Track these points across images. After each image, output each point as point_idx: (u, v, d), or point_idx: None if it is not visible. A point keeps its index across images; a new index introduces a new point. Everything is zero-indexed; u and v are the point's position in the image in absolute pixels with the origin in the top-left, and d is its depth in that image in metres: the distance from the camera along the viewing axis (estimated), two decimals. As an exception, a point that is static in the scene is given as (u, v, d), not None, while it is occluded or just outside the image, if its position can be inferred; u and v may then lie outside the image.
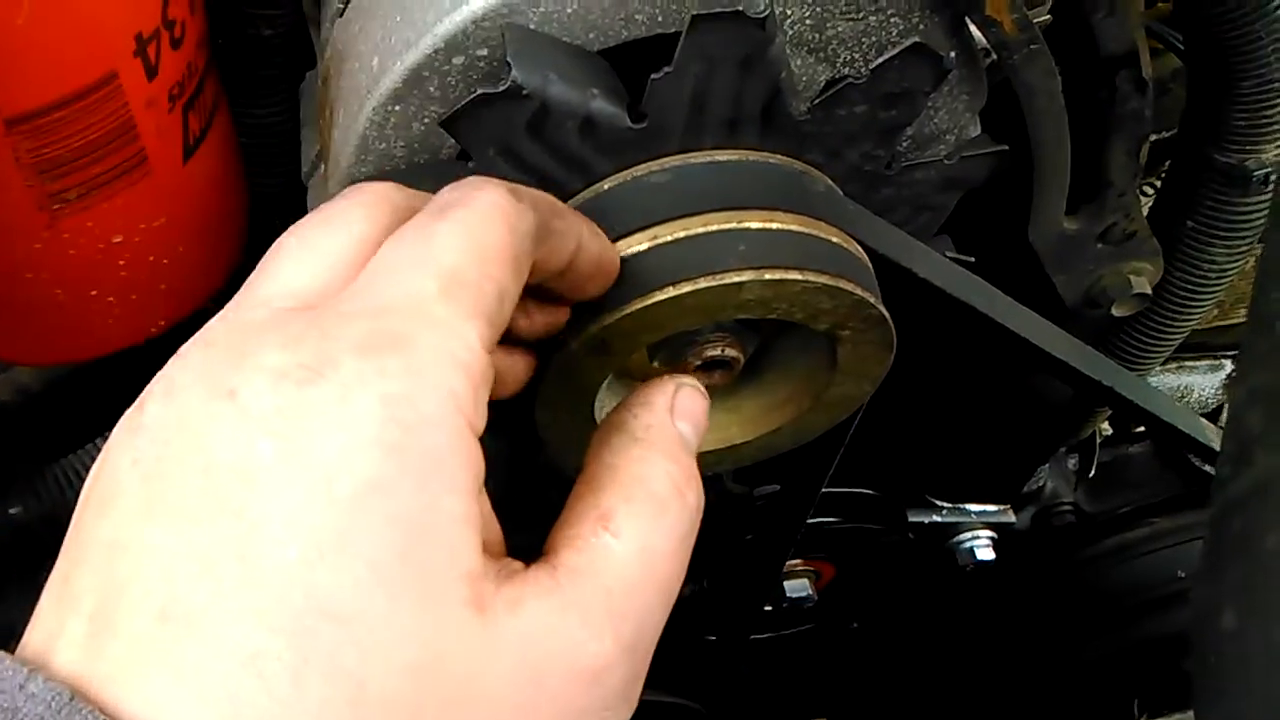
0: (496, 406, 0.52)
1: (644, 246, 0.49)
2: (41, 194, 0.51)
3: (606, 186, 0.50)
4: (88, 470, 0.33)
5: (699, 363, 0.53)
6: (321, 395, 0.31)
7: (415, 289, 0.34)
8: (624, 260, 0.49)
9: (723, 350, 0.52)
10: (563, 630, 0.33)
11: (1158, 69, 0.75)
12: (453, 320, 0.34)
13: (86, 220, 0.53)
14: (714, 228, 0.49)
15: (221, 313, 0.36)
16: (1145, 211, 0.73)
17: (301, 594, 0.29)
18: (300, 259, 0.36)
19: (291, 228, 0.38)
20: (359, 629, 0.29)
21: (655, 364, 0.54)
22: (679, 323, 0.49)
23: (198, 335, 0.35)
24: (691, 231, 0.49)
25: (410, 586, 0.30)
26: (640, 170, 0.50)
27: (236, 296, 0.36)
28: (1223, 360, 0.94)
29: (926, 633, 0.96)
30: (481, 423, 0.34)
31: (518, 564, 0.34)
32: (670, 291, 0.48)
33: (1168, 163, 0.73)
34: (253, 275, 0.37)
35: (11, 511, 0.70)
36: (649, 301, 0.48)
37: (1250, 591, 0.36)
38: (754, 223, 0.49)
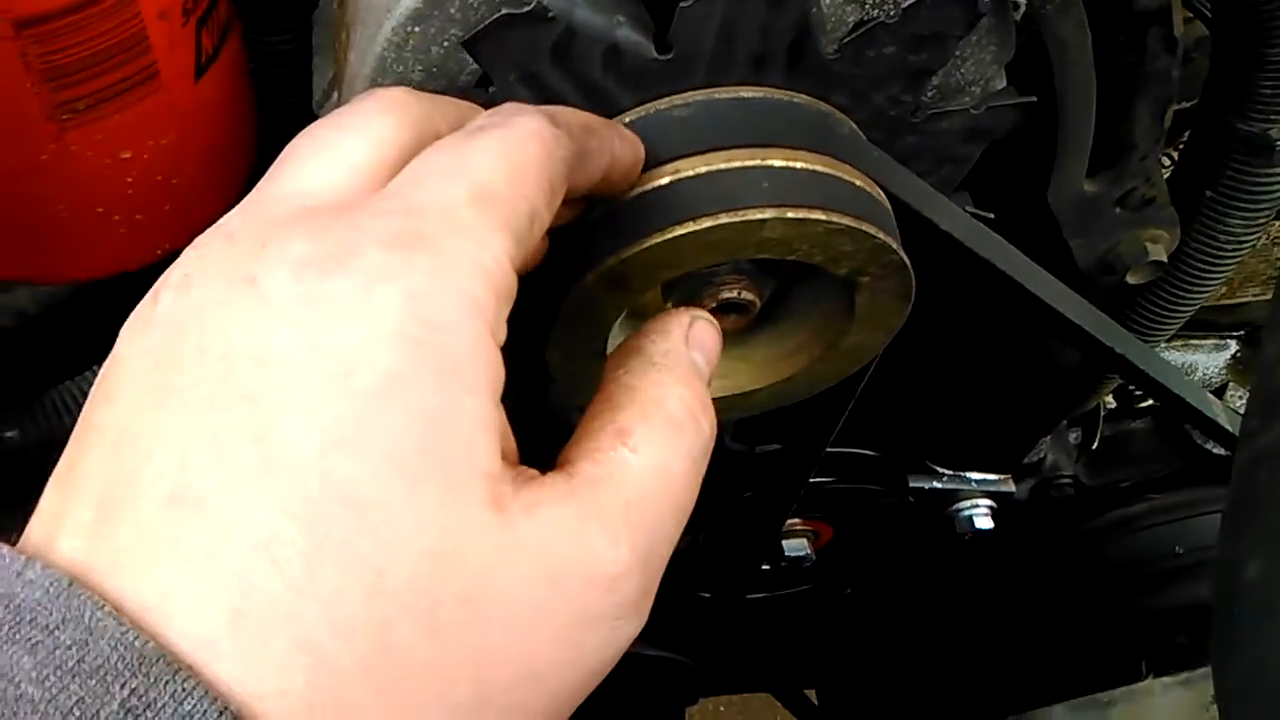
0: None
1: (665, 181, 0.48)
2: (50, 102, 0.50)
3: (628, 119, 0.49)
4: (85, 396, 0.32)
5: (714, 305, 0.52)
6: (345, 285, 0.31)
7: (447, 196, 0.33)
8: (644, 194, 0.48)
9: (739, 293, 0.52)
10: (580, 535, 0.33)
11: (1183, 37, 0.74)
12: (482, 230, 0.33)
13: (95, 133, 0.52)
14: (737, 164, 0.48)
15: (238, 209, 0.35)
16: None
17: (318, 480, 0.28)
18: (321, 161, 0.36)
19: (305, 130, 0.37)
20: (376, 517, 0.29)
21: (669, 305, 0.53)
22: (699, 259, 0.48)
23: (214, 228, 0.34)
24: (714, 167, 0.48)
25: (429, 479, 0.30)
26: (663, 103, 0.49)
27: (251, 194, 0.35)
28: (1228, 340, 0.94)
29: (922, 600, 0.96)
30: (502, 335, 0.34)
31: (534, 471, 0.34)
32: (691, 226, 0.47)
33: (1187, 133, 0.72)
34: (267, 176, 0.36)
35: (8, 435, 0.69)
36: (669, 236, 0.47)
37: (1277, 542, 0.35)
38: (778, 160, 0.48)
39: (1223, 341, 0.94)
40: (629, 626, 0.34)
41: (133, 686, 0.26)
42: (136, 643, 0.27)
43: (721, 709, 2.01)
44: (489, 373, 0.32)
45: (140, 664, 0.26)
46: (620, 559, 0.33)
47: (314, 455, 0.29)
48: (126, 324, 0.33)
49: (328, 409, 0.29)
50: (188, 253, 0.33)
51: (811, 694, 1.19)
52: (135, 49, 0.50)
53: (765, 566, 0.80)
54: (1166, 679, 0.63)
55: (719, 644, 0.85)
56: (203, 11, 0.54)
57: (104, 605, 0.27)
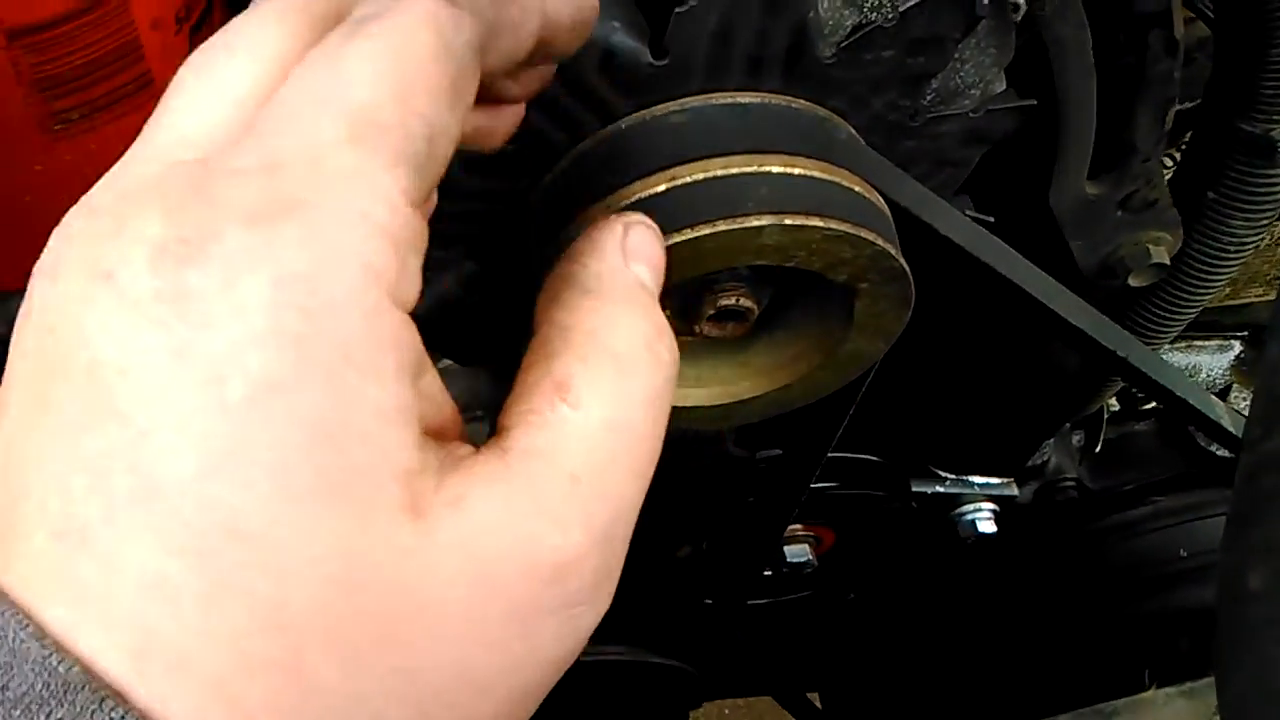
0: (494, 342, 0.49)
1: (662, 188, 0.47)
2: (43, 113, 0.50)
3: (624, 125, 0.49)
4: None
5: (712, 312, 0.52)
6: (204, 277, 0.26)
7: (318, 135, 0.28)
8: (641, 200, 0.48)
9: (737, 300, 0.51)
10: (515, 523, 0.29)
11: (1184, 38, 0.74)
12: (365, 172, 0.28)
13: (89, 143, 0.52)
14: (734, 170, 0.47)
15: (111, 170, 0.30)
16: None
17: (197, 510, 0.26)
18: (199, 96, 0.31)
19: (191, 55, 0.32)
20: (266, 546, 0.26)
21: (666, 311, 0.53)
22: (696, 267, 0.48)
23: (83, 199, 0.30)
24: (711, 173, 0.47)
25: (325, 495, 0.26)
26: (660, 110, 0.49)
27: (131, 147, 0.31)
28: (1232, 341, 0.94)
29: (924, 605, 0.96)
30: (413, 293, 0.29)
31: (467, 449, 0.30)
32: (688, 234, 0.46)
33: (1189, 134, 0.72)
34: (149, 120, 0.31)
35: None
36: (667, 243, 0.46)
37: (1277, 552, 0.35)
38: (775, 167, 0.48)
39: (1226, 342, 0.94)
40: (588, 614, 0.30)
41: (58, 716, 0.24)
42: (60, 668, 0.25)
43: (726, 711, 2.01)
44: (393, 350, 0.27)
45: (65, 691, 0.25)
46: (568, 544, 0.29)
47: (190, 481, 0.26)
48: (20, 313, 0.29)
49: (201, 426, 0.26)
50: (55, 232, 0.29)
51: (814, 697, 1.19)
52: (128, 58, 0.50)
53: (767, 572, 0.80)
54: (1169, 689, 0.62)
55: (722, 649, 0.85)
56: (196, 19, 0.53)
57: (27, 625, 0.25)
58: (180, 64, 0.54)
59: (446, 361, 0.71)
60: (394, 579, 0.27)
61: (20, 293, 0.56)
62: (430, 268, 0.30)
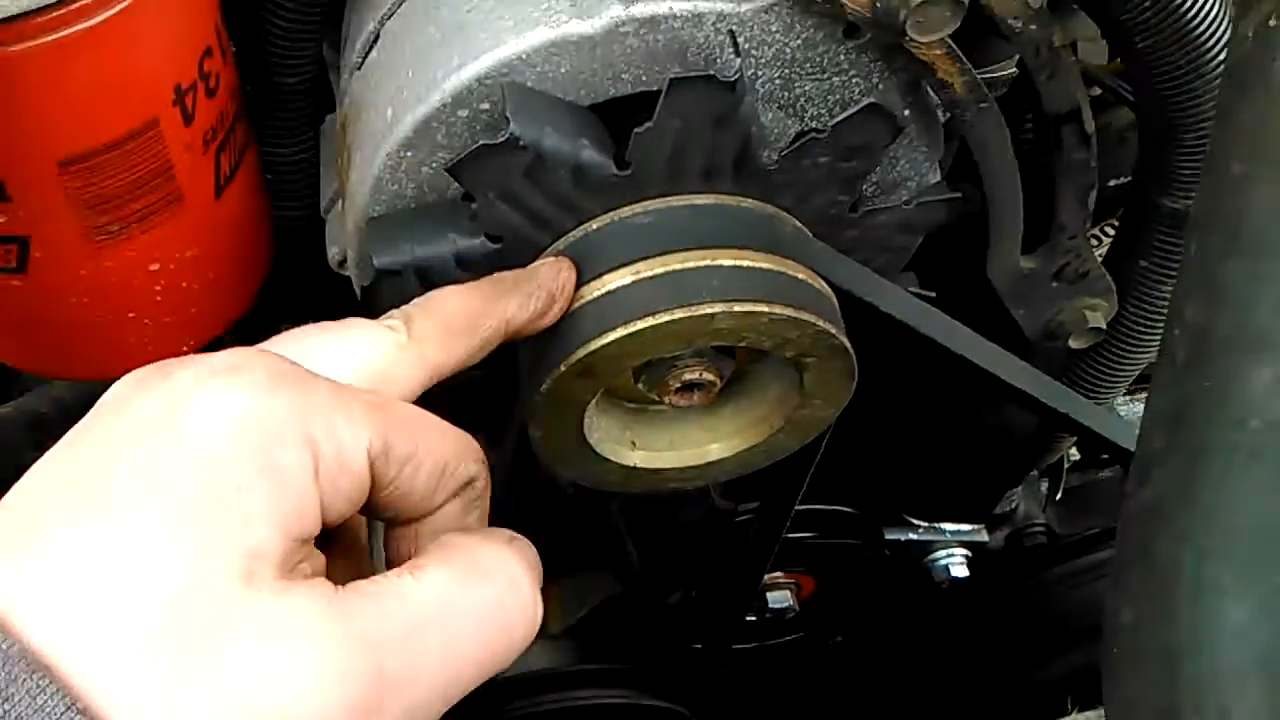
0: (494, 421, 0.57)
1: (627, 280, 0.54)
2: (88, 227, 0.57)
3: (595, 226, 0.56)
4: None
5: (678, 385, 0.58)
6: None
7: None
8: (609, 293, 0.54)
9: (700, 374, 0.58)
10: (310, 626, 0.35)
11: (1115, 119, 0.81)
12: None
13: (127, 250, 0.59)
14: (690, 264, 0.54)
15: None
16: (1105, 251, 0.78)
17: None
18: None
19: None
20: None
21: (640, 385, 0.59)
22: (658, 348, 0.55)
23: None
24: (670, 268, 0.54)
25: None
26: (625, 212, 0.56)
27: None
28: (1189, 391, 0.99)
29: (898, 647, 1.01)
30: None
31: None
32: (650, 320, 0.53)
33: (1121, 209, 0.78)
34: None
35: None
36: (631, 330, 0.53)
37: (1143, 592, 0.41)
38: (726, 260, 0.55)
39: (1184, 392, 0.99)
40: None
41: None
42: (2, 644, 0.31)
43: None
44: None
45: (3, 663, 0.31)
46: (325, 690, 0.34)
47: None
48: None
49: None
50: None
51: None
52: (162, 177, 0.58)
53: (751, 618, 0.85)
54: (1090, 713, 0.68)
55: (713, 691, 0.90)
56: (221, 138, 0.61)
57: None
58: (207, 178, 0.62)
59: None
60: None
61: (67, 380, 0.64)
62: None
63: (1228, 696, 0.38)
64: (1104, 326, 0.74)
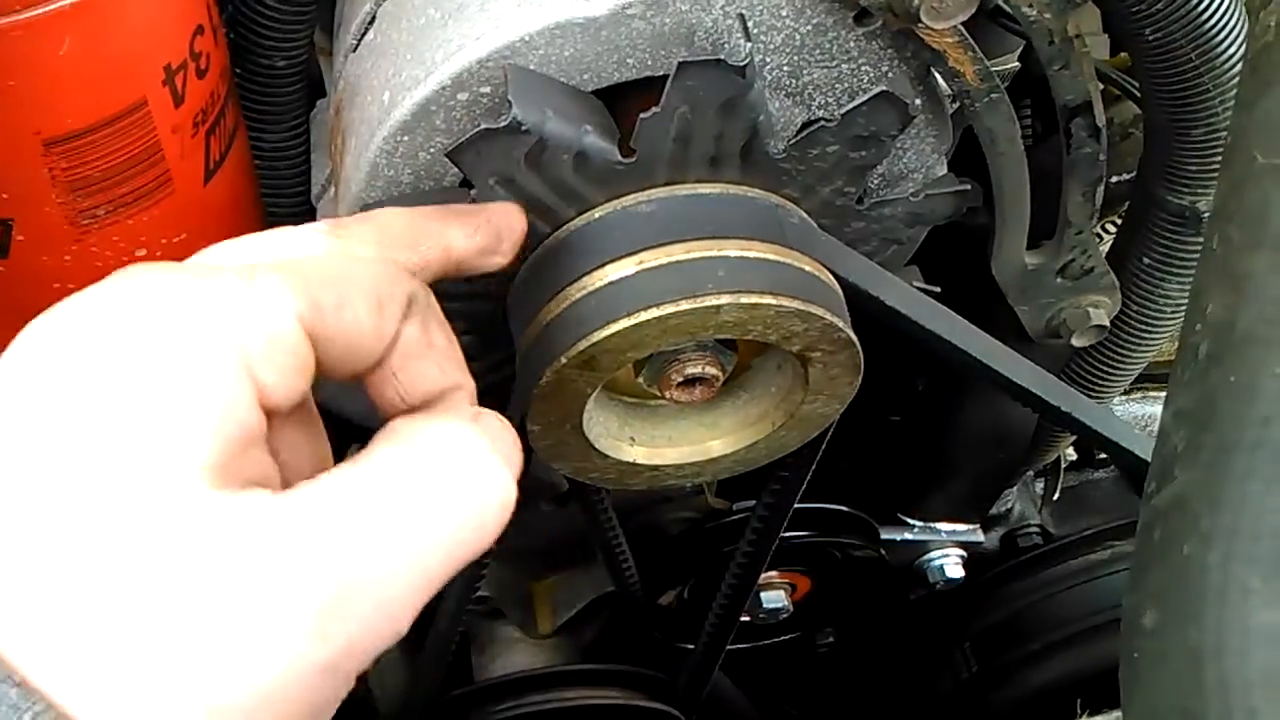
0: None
1: (631, 270, 0.53)
2: (73, 210, 0.55)
3: (598, 214, 0.55)
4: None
5: (680, 379, 0.57)
6: None
7: None
8: (612, 283, 0.53)
9: (703, 368, 0.57)
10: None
11: (1120, 114, 0.80)
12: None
13: (113, 235, 0.57)
14: (695, 254, 0.53)
15: None
16: (1107, 248, 0.78)
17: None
18: None
19: None
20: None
21: (640, 379, 0.58)
22: (661, 341, 0.53)
23: None
24: (674, 257, 0.53)
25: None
26: (629, 200, 0.54)
27: None
28: (1185, 391, 0.98)
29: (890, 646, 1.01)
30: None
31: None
32: (654, 312, 0.52)
33: (1127, 203, 0.77)
34: None
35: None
36: (634, 321, 0.52)
37: (1167, 594, 0.40)
38: (732, 250, 0.53)
39: (1179, 393, 0.98)
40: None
41: None
42: None
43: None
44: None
45: None
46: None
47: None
48: None
49: None
50: None
51: None
52: (150, 160, 0.56)
53: (745, 618, 0.84)
54: (1100, 717, 0.67)
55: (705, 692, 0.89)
56: (211, 121, 0.59)
57: None
58: (196, 162, 0.60)
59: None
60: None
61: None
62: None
63: (1256, 699, 0.37)
64: (1107, 324, 0.73)
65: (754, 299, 0.52)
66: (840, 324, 0.55)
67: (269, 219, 0.69)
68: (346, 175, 0.58)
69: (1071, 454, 0.94)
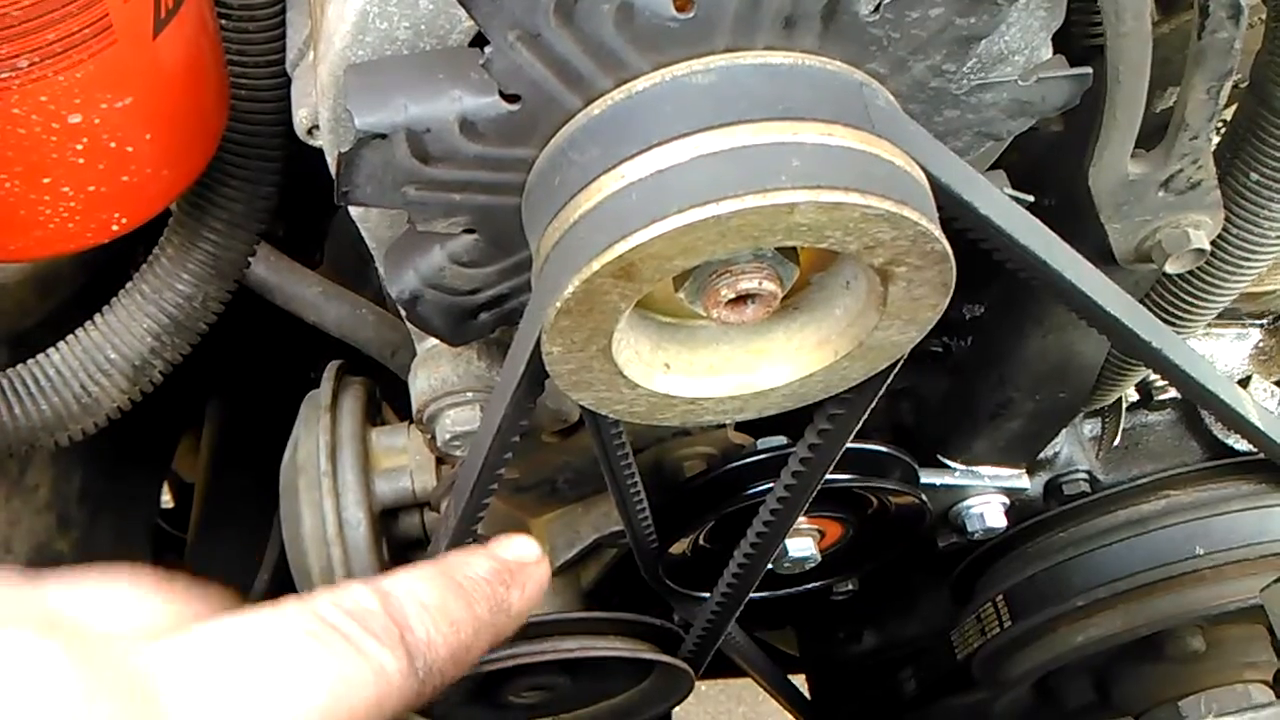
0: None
1: (685, 157, 0.43)
2: (-14, 59, 0.44)
3: (641, 86, 0.44)
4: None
5: (731, 295, 0.47)
6: None
7: None
8: (659, 173, 0.43)
9: (760, 282, 0.47)
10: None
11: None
12: None
13: (40, 93, 0.47)
14: (764, 139, 0.43)
15: None
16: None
17: None
18: None
19: None
20: None
21: (681, 295, 0.48)
22: (718, 247, 0.43)
23: None
24: (738, 142, 0.43)
25: None
26: (681, 69, 0.44)
27: None
28: (1250, 329, 0.90)
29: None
30: None
31: None
32: (712, 210, 0.42)
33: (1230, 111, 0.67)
34: None
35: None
36: (686, 221, 0.42)
37: None
38: (810, 136, 0.43)
39: (1245, 331, 0.90)
40: None
41: None
42: None
43: (703, 687, 2.00)
44: None
45: None
46: None
47: None
48: None
49: None
50: None
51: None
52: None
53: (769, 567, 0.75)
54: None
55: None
56: (161, -42, 0.48)
57: None
58: (143, 6, 0.48)
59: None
60: None
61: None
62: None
63: None
64: (1207, 248, 0.63)
65: (837, 197, 0.42)
66: (935, 232, 0.45)
67: (235, 91, 0.58)
68: (329, 29, 0.47)
69: (1133, 394, 0.85)
